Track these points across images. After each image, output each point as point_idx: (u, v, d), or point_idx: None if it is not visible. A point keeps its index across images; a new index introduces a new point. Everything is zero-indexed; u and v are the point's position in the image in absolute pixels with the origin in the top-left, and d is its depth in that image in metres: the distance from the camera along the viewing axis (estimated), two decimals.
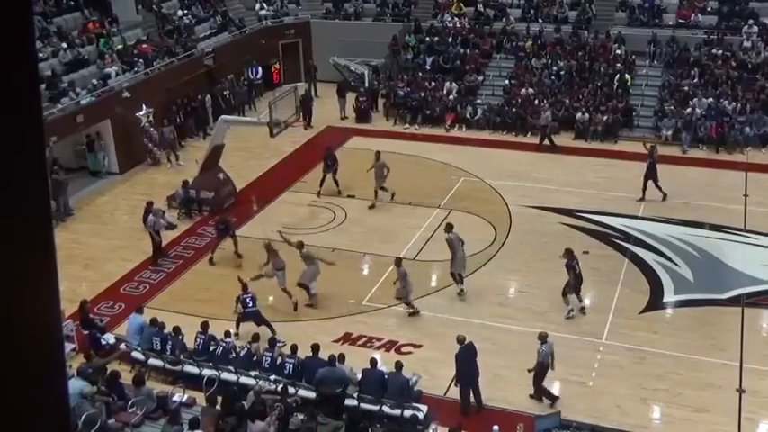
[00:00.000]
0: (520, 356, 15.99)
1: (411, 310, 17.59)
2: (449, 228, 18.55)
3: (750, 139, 26.73)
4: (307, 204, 23.30)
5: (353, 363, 14.83)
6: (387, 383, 14.20)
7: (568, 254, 17.49)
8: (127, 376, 14.64)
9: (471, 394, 14.65)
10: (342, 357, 14.67)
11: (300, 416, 13.18)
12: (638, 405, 14.66)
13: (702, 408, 14.50)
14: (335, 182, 23.76)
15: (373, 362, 14.69)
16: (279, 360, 14.95)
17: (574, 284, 17.42)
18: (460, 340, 14.62)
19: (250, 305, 16.74)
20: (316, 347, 14.91)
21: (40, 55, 24.75)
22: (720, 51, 29.62)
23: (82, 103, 24.74)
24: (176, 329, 15.89)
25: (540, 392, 14.81)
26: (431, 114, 29.74)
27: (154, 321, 16.10)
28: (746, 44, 29.55)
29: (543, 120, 27.23)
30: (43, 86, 23.11)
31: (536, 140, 27.47)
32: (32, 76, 1.63)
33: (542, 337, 14.79)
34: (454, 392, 14.93)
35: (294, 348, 15.12)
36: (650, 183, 22.57)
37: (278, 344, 15.52)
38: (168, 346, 15.64)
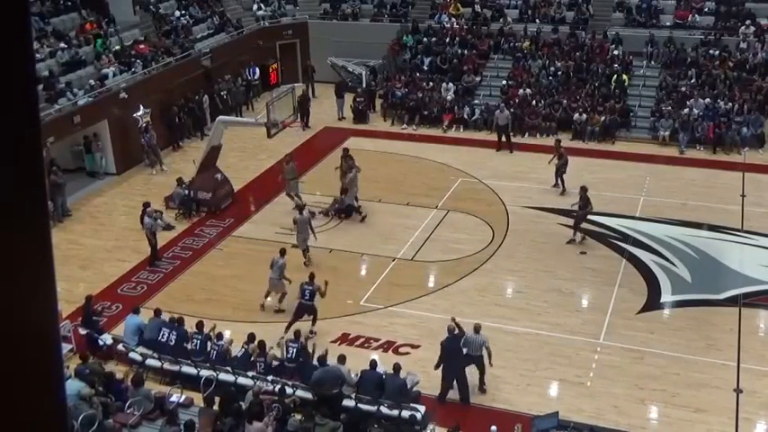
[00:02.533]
0: (517, 357, 16.03)
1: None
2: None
3: (747, 140, 26.76)
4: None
5: (351, 363, 14.80)
6: (384, 385, 14.20)
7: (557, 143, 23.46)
8: (123, 377, 14.64)
9: (456, 385, 14.85)
10: (342, 359, 14.66)
11: (298, 416, 13.18)
12: (635, 405, 14.67)
13: (700, 408, 14.51)
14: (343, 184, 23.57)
15: (373, 363, 14.69)
16: (274, 363, 14.98)
17: (562, 165, 22.87)
18: (450, 329, 14.81)
19: (307, 297, 16.77)
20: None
21: (38, 55, 24.73)
22: (717, 52, 29.67)
23: (79, 103, 24.73)
24: (180, 320, 16.04)
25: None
26: (428, 115, 29.75)
27: (158, 312, 16.26)
28: (743, 45, 29.59)
29: (502, 119, 27.22)
30: (40, 87, 23.09)
31: (534, 141, 27.53)
32: (30, 77, 1.63)
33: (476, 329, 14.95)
34: (452, 393, 14.95)
35: (297, 334, 15.27)
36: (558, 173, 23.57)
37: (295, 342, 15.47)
38: (173, 336, 15.70)
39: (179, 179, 23.07)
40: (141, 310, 16.87)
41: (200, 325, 15.85)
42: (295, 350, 15.07)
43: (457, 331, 14.81)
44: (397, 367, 14.34)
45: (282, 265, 17.64)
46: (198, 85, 29.45)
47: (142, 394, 13.51)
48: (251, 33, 33.67)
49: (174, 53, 29.36)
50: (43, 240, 1.69)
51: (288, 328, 16.57)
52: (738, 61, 29.15)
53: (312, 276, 17.06)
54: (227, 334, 16.18)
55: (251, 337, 15.50)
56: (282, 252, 17.96)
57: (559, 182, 23.42)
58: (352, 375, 14.53)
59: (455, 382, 14.81)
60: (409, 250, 20.54)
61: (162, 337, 15.80)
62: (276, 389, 14.01)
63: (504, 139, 27.15)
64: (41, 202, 1.69)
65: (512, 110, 28.68)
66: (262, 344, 15.26)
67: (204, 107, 29.32)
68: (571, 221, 21.09)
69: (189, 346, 15.71)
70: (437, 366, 14.82)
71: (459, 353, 14.71)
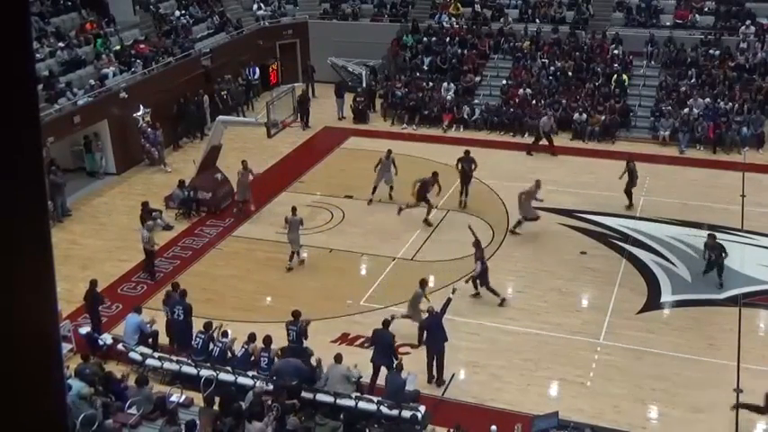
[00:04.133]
0: (518, 357, 16.04)
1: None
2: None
3: (747, 140, 26.77)
4: (305, 205, 23.26)
5: (350, 363, 14.82)
6: (386, 383, 14.26)
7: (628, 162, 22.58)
8: (123, 377, 14.64)
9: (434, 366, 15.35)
10: (339, 357, 14.68)
11: (294, 416, 13.18)
12: (635, 405, 14.67)
13: (700, 408, 14.51)
14: (465, 192, 23.08)
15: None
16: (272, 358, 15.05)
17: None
18: (429, 311, 15.45)
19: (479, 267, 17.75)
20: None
21: (38, 55, 24.73)
22: (718, 52, 29.67)
23: (79, 103, 24.72)
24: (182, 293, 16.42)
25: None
26: (428, 115, 29.76)
27: (180, 291, 16.58)
28: (743, 45, 29.59)
29: (547, 126, 27.00)
30: (40, 87, 23.08)
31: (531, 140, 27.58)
32: (30, 77, 1.63)
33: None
34: (452, 393, 14.97)
35: (268, 341, 15.17)
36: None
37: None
38: (181, 311, 15.99)
39: (181, 181, 23.00)
40: (143, 310, 16.86)
41: (207, 325, 15.82)
42: (295, 333, 15.19)
43: (436, 311, 15.41)
44: (399, 367, 14.38)
45: (418, 294, 16.81)
46: (198, 85, 29.46)
47: (144, 394, 13.51)
48: (251, 33, 33.67)
49: (174, 53, 29.36)
50: (43, 240, 1.69)
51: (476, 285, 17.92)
52: (738, 61, 29.15)
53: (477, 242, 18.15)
54: (230, 332, 16.23)
55: (251, 337, 15.49)
56: (422, 283, 17.01)
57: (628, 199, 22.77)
58: (353, 373, 14.58)
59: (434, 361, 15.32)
60: (409, 250, 20.54)
61: (178, 316, 16.13)
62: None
63: (545, 141, 26.86)
64: (41, 202, 1.69)
65: (511, 110, 28.71)
66: (267, 339, 15.26)
67: (204, 107, 29.33)
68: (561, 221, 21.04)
69: (192, 344, 15.79)
70: (419, 345, 15.51)
71: (439, 330, 15.17)
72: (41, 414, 1.73)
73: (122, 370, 15.35)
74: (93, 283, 16.92)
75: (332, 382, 14.35)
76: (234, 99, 30.74)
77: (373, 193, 23.13)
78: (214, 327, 15.87)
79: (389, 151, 23.51)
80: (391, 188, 23.10)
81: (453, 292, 16.17)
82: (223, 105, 29.66)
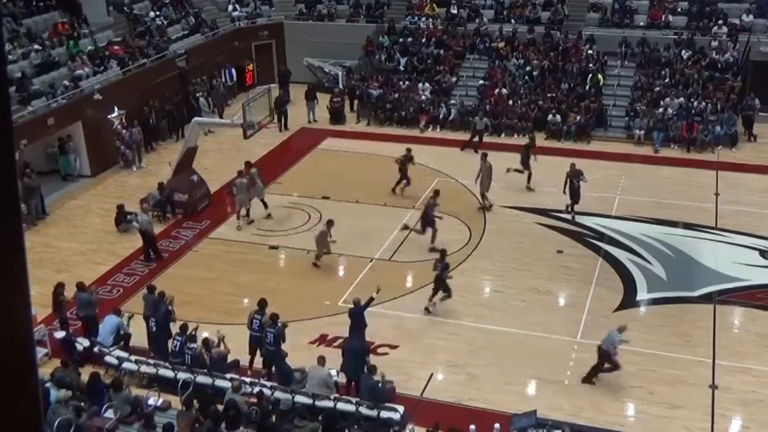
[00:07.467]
0: (496, 356, 16.09)
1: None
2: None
3: (720, 139, 27.04)
4: (282, 206, 23.21)
5: (329, 364, 14.79)
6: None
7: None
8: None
9: None
10: (321, 360, 14.65)
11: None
12: (612, 402, 14.77)
13: (676, 404, 14.64)
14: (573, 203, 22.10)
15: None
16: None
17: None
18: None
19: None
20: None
21: (10, 57, 24.46)
22: (690, 52, 29.93)
23: (52, 105, 24.46)
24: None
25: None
26: (405, 115, 29.77)
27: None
28: (714, 44, 29.87)
29: (480, 125, 27.44)
30: (13, 89, 22.83)
31: (510, 141, 27.65)
32: (1, 78, 1.61)
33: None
34: (430, 393, 14.99)
35: (275, 317, 15.21)
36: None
37: None
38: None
39: (161, 184, 22.76)
40: (122, 311, 16.76)
41: (183, 327, 15.72)
42: (273, 335, 15.08)
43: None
44: (371, 368, 14.38)
45: None
46: (174, 87, 29.27)
47: (122, 398, 13.40)
48: (226, 34, 33.53)
49: (149, 54, 29.14)
50: (16, 243, 1.67)
51: None
52: (711, 61, 29.43)
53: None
54: (201, 336, 16.14)
55: (206, 342, 15.53)
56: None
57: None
58: (333, 373, 14.57)
59: None
60: (387, 251, 20.54)
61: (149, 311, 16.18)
62: (254, 390, 13.97)
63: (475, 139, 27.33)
64: (14, 205, 1.67)
65: (487, 107, 28.81)
66: (190, 332, 15.46)
67: (180, 108, 29.10)
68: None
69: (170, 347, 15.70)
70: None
71: None
72: (15, 417, 1.71)
73: (100, 373, 15.22)
74: (57, 286, 16.98)
75: (311, 384, 14.31)
76: (214, 100, 30.60)
77: (484, 199, 22.78)
78: (190, 329, 15.75)
79: (485, 154, 23.06)
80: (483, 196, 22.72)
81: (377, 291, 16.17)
82: (198, 106, 29.46)
